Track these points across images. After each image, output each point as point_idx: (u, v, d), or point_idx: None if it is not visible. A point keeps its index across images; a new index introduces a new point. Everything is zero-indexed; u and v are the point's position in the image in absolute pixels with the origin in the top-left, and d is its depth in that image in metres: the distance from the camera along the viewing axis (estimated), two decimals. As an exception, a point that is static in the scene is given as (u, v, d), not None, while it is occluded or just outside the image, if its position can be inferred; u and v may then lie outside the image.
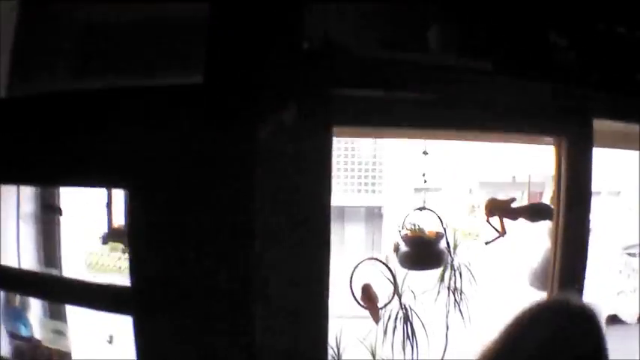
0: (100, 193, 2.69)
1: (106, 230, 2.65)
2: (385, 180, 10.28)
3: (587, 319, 1.41)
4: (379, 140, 10.60)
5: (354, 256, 3.11)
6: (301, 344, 2.11)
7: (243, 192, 2.00)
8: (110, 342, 2.33)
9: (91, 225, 2.72)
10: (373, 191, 10.36)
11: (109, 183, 2.24)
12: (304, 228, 2.02)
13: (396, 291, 3.17)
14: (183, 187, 2.06)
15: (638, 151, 3.01)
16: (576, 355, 1.37)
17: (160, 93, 2.14)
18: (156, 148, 2.10)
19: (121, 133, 2.12)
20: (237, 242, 2.04)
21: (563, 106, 2.23)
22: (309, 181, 2.06)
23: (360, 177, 10.48)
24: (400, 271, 3.27)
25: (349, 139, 10.06)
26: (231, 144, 2.03)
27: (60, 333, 2.30)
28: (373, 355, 3.33)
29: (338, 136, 3.23)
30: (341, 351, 3.09)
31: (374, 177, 10.47)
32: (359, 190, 10.44)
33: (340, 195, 10.06)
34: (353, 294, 3.04)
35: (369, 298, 3.05)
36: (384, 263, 3.20)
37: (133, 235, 2.14)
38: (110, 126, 2.14)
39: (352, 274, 3.09)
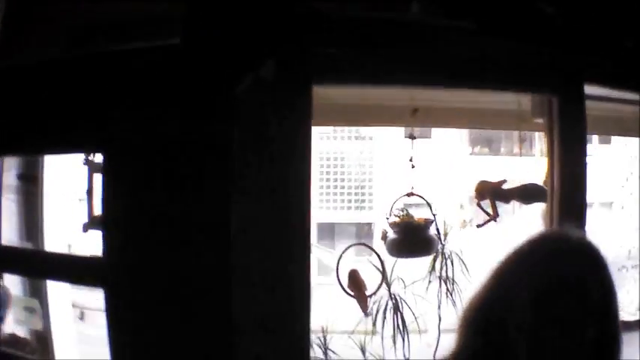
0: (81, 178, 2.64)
1: (87, 218, 2.56)
2: (375, 196, 10.19)
3: (587, 253, 1.17)
4: (368, 158, 10.58)
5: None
6: (280, 323, 2.01)
7: (222, 149, 1.92)
8: (81, 318, 2.22)
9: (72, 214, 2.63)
10: (363, 208, 10.27)
11: (86, 147, 2.15)
12: (282, 186, 1.93)
13: (385, 279, 3.07)
14: (161, 147, 1.98)
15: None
16: (579, 296, 1.11)
17: (138, 55, 2.07)
18: (133, 109, 2.02)
19: (100, 96, 2.05)
20: (213, 206, 1.95)
21: (553, 67, 2.16)
22: (288, 139, 1.97)
23: (350, 194, 10.40)
24: (389, 261, 3.18)
25: (337, 152, 10.02)
26: (210, 103, 1.95)
27: (31, 310, 2.19)
28: (363, 350, 3.21)
29: (317, 124, 3.17)
30: (328, 341, 2.98)
31: (364, 194, 10.39)
32: (349, 207, 10.35)
33: (330, 212, 9.98)
34: (339, 281, 2.94)
35: (356, 285, 2.95)
36: (371, 249, 3.11)
37: (107, 202, 2.05)
38: (90, 90, 2.08)
39: (339, 261, 3.00)
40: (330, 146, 10.04)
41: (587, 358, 1.13)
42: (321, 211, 9.48)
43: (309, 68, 1.99)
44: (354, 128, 9.84)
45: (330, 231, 9.68)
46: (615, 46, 2.40)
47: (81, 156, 2.91)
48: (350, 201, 10.39)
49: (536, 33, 2.25)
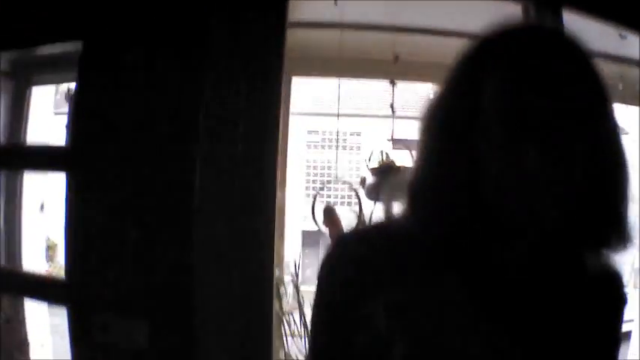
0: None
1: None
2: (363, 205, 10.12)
3: (569, 47, 0.84)
4: (355, 168, 10.54)
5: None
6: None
7: (194, 59, 1.87)
8: (41, 209, 2.15)
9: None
10: (349, 217, 10.18)
11: (63, 37, 2.10)
12: (252, 99, 1.87)
13: (361, 219, 3.02)
14: (133, 42, 1.94)
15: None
16: (561, 101, 0.78)
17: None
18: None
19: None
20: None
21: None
22: (259, 53, 1.92)
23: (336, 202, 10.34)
24: (368, 209, 3.13)
25: (324, 162, 9.99)
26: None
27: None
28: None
29: (297, 74, 3.12)
30: (300, 278, 2.90)
31: (350, 203, 10.33)
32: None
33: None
34: (314, 218, 2.89)
35: (331, 221, 2.89)
36: (350, 185, 3.07)
37: (78, 93, 2.00)
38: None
39: (315, 198, 2.95)
40: (318, 155, 10.03)
41: (584, 199, 0.81)
42: (306, 219, 9.41)
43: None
44: (341, 137, 9.86)
45: (315, 239, 9.60)
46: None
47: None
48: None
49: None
